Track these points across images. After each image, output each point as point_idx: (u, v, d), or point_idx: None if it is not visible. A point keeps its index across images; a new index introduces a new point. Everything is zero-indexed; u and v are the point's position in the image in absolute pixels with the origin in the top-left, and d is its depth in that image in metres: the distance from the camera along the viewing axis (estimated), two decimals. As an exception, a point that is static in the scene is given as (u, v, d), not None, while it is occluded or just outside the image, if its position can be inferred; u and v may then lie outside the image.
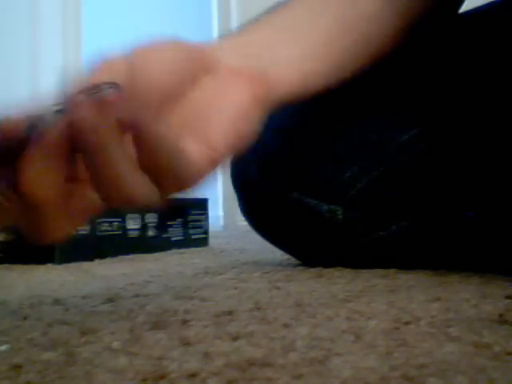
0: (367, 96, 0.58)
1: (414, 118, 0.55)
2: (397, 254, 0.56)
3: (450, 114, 0.54)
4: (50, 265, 0.67)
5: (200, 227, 0.95)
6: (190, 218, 0.92)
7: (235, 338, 0.28)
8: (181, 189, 0.31)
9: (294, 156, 0.58)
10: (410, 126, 0.55)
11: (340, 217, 0.56)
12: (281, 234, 0.62)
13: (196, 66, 0.34)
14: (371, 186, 0.55)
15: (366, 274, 0.52)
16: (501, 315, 0.31)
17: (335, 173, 0.56)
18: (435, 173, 0.54)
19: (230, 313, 0.34)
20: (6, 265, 0.68)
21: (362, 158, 0.56)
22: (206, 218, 0.97)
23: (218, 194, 2.16)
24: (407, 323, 0.30)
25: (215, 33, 2.25)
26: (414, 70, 0.57)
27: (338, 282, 0.48)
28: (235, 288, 0.46)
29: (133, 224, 0.80)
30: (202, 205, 0.96)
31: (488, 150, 0.52)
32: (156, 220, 0.84)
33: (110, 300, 0.40)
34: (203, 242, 0.95)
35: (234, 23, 2.14)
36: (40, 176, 0.25)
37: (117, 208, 0.29)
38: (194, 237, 0.93)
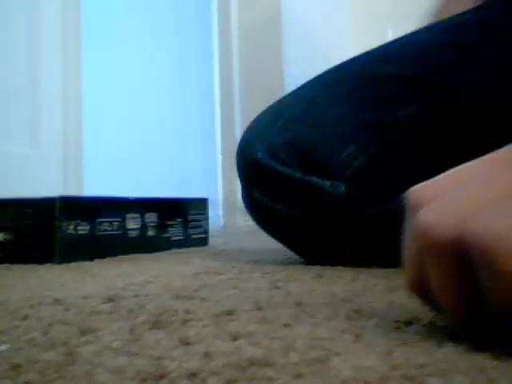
0: (364, 77, 0.60)
1: (409, 95, 0.57)
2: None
3: (447, 91, 0.55)
4: (49, 265, 0.67)
5: (200, 227, 0.95)
6: (190, 217, 0.92)
7: (235, 338, 0.28)
8: None
9: (297, 137, 0.61)
10: (405, 103, 0.56)
11: (342, 190, 0.57)
12: (282, 222, 0.63)
13: None
14: (368, 164, 0.57)
15: (365, 274, 0.52)
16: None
17: (335, 152, 0.59)
18: (431, 149, 0.55)
19: (230, 313, 0.34)
20: (6, 265, 0.68)
21: (358, 137, 0.58)
22: (206, 218, 0.97)
23: (217, 194, 2.16)
24: (407, 323, 0.30)
25: (215, 33, 2.24)
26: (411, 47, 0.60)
27: (337, 282, 0.48)
28: (235, 288, 0.46)
29: (133, 224, 0.80)
30: (201, 205, 0.97)
31: (489, 126, 0.53)
32: (156, 220, 0.84)
33: (110, 300, 0.40)
34: (203, 241, 0.95)
35: (234, 23, 2.14)
36: None
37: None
38: (193, 236, 0.93)
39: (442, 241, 0.25)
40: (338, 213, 0.58)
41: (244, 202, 0.67)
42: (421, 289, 0.27)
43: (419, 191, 0.28)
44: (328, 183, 0.58)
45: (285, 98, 0.68)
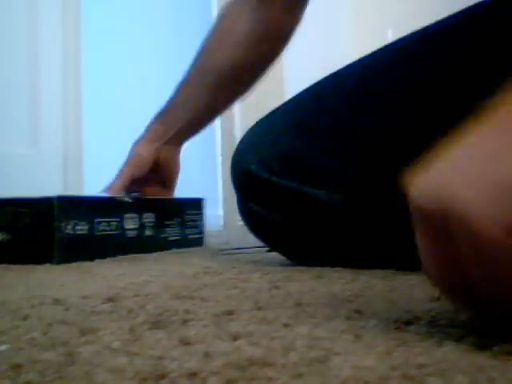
0: (354, 87, 0.61)
1: (399, 102, 0.57)
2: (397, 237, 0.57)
3: (437, 95, 0.55)
4: (49, 265, 0.67)
5: (196, 227, 0.95)
6: (187, 217, 0.92)
7: (235, 338, 0.28)
8: None
9: (290, 148, 0.62)
10: (395, 111, 0.57)
11: (338, 198, 0.57)
12: (279, 231, 0.63)
13: None
14: (363, 172, 0.58)
15: (365, 274, 0.52)
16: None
17: (328, 162, 0.59)
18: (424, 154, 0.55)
19: (230, 313, 0.34)
20: (6, 265, 0.68)
21: (351, 146, 0.59)
22: (202, 218, 0.97)
23: (217, 194, 2.16)
24: (407, 323, 0.30)
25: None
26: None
27: (337, 282, 0.48)
28: (235, 288, 0.46)
29: (131, 224, 0.80)
30: (197, 205, 0.97)
31: None
32: (154, 220, 0.84)
33: (110, 300, 0.40)
34: (198, 241, 0.95)
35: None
36: None
37: None
38: (190, 237, 0.93)
39: (427, 209, 0.25)
40: (334, 221, 0.59)
41: (239, 211, 0.68)
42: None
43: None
44: (324, 192, 0.58)
45: (277, 109, 0.68)
